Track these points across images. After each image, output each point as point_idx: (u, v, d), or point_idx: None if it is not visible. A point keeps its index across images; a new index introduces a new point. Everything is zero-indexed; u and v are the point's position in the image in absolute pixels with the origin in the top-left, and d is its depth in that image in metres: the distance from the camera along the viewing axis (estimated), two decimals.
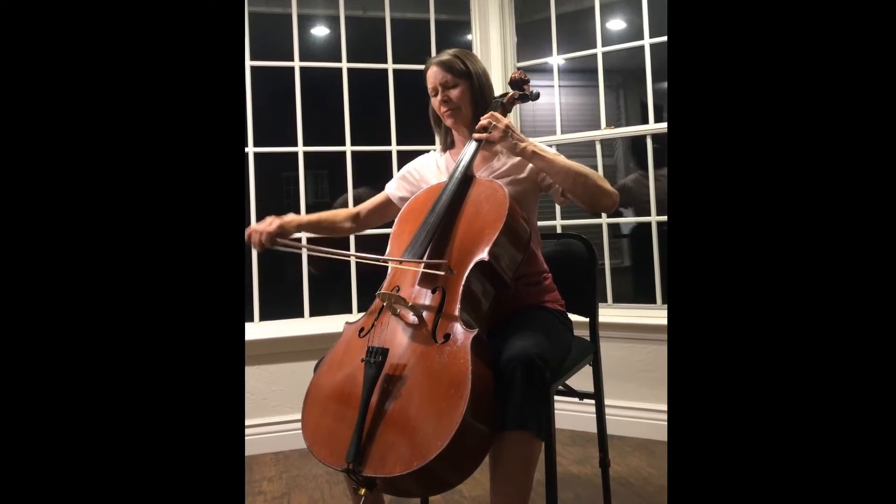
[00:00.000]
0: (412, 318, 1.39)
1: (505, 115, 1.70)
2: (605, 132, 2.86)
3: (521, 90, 1.75)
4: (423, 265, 1.42)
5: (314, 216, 1.79)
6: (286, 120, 2.89)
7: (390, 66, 3.01)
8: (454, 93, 1.67)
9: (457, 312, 1.35)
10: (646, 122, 2.81)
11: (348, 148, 2.95)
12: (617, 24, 3.09)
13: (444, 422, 1.20)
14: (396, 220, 1.64)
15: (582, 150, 3.01)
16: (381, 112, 3.00)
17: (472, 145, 1.61)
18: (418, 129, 2.99)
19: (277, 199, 3.38)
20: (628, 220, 3.19)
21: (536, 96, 1.77)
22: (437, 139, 1.84)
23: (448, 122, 1.72)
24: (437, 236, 1.48)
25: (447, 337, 1.32)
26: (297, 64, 2.90)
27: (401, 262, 1.46)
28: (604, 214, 2.80)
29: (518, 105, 1.81)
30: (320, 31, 3.18)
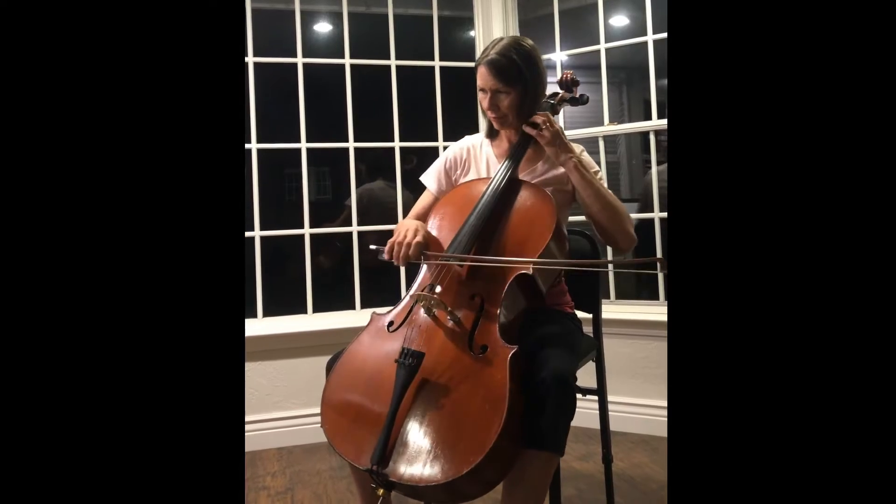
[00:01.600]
0: (449, 323, 1.36)
1: (554, 116, 1.64)
2: (609, 128, 2.86)
3: (570, 92, 1.71)
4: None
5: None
6: (289, 116, 2.89)
7: (393, 62, 3.00)
8: (503, 102, 1.57)
9: (494, 322, 1.32)
10: (649, 118, 2.81)
11: (351, 144, 2.95)
12: (620, 20, 3.08)
13: (477, 439, 1.18)
14: (433, 210, 1.59)
15: (585, 147, 3.00)
16: (384, 108, 3.00)
17: (518, 149, 1.57)
18: (421, 126, 2.99)
19: (280, 195, 3.39)
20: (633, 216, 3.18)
21: (586, 100, 1.71)
22: (483, 125, 1.76)
23: (495, 125, 1.66)
24: (480, 240, 1.43)
25: (484, 349, 1.29)
26: (300, 60, 2.89)
27: (611, 265, 1.37)
28: None
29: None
30: (323, 27, 3.18)
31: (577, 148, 1.65)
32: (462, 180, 1.72)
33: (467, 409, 1.23)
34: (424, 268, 1.50)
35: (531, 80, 1.58)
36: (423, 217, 1.67)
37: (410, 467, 1.19)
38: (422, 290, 1.43)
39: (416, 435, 1.23)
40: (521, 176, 1.59)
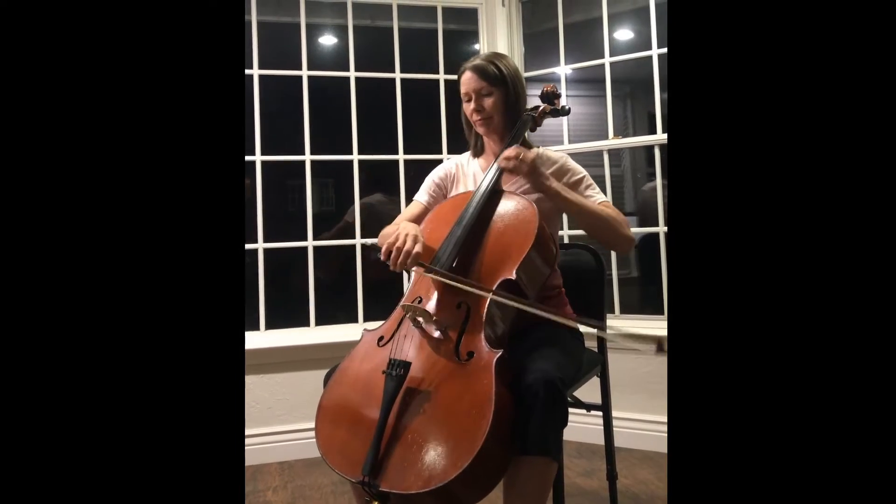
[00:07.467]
0: (436, 332, 1.37)
1: (535, 129, 1.70)
2: (613, 142, 2.86)
3: (552, 104, 1.73)
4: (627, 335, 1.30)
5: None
6: (294, 129, 2.90)
7: (398, 75, 3.01)
8: (488, 102, 1.64)
9: (481, 330, 1.33)
10: (653, 132, 2.81)
11: (355, 157, 2.95)
12: (625, 34, 3.09)
13: (465, 443, 1.18)
14: (422, 226, 1.60)
15: (589, 160, 3.00)
16: (389, 121, 3.01)
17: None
18: (425, 139, 3.00)
19: (282, 207, 3.38)
20: (638, 230, 3.17)
21: (567, 111, 1.75)
22: (469, 143, 1.79)
23: (479, 129, 1.69)
24: (464, 250, 1.45)
25: (470, 355, 1.30)
26: (305, 73, 2.90)
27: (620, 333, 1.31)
28: None
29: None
30: (328, 40, 3.20)
31: (560, 157, 1.69)
32: (451, 195, 1.74)
33: (455, 414, 1.24)
34: (413, 279, 1.53)
35: (512, 83, 1.66)
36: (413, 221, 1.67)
37: (401, 476, 1.20)
38: (410, 301, 1.45)
39: (406, 443, 1.24)
40: (507, 187, 1.61)
